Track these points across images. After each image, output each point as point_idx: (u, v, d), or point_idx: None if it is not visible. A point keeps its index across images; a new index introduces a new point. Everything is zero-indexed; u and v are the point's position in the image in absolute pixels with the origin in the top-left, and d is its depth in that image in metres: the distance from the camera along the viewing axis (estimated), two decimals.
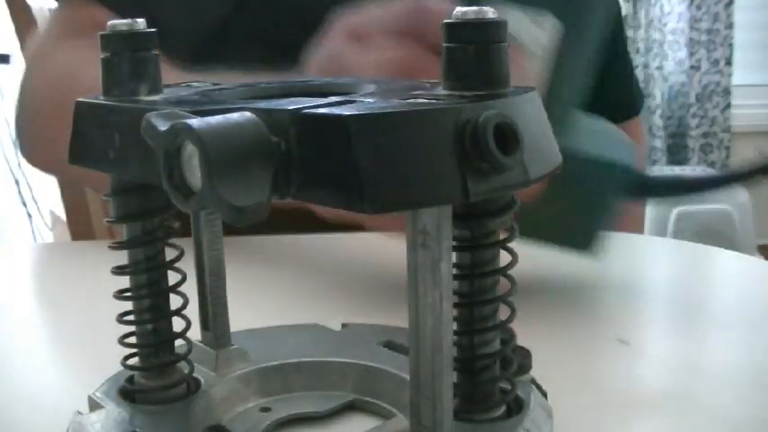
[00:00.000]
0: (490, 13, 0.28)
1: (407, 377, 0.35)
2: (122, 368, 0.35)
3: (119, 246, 0.34)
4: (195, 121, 0.24)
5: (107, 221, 0.34)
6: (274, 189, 0.25)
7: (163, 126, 0.25)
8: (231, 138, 0.25)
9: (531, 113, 0.29)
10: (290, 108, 0.26)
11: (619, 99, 1.05)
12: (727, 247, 0.69)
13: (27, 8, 1.07)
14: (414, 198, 0.25)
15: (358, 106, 0.27)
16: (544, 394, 0.34)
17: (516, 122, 0.27)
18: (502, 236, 0.31)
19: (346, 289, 0.56)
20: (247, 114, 0.25)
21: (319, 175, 0.25)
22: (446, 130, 0.26)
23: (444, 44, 0.28)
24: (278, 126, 0.26)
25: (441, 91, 0.29)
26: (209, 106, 0.29)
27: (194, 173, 0.25)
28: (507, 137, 0.26)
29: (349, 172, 0.25)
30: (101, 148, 0.31)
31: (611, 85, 1.04)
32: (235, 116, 0.25)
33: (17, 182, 2.53)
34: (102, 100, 0.32)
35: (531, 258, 0.37)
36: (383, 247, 0.61)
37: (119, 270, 0.34)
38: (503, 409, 0.32)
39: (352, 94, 0.30)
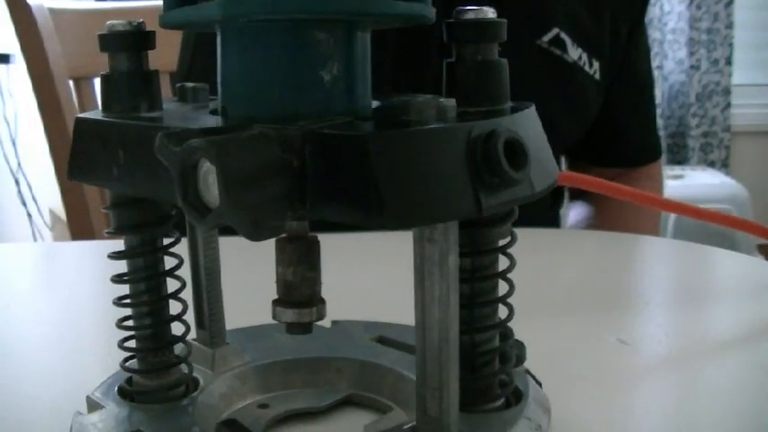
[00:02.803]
0: (490, 13, 0.28)
1: (403, 372, 0.35)
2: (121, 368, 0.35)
3: (118, 256, 0.34)
4: (211, 139, 0.24)
5: (107, 233, 0.34)
6: (290, 206, 0.26)
7: (177, 145, 0.25)
8: (247, 155, 0.25)
9: (531, 128, 0.30)
10: (303, 126, 0.26)
11: (644, 143, 1.04)
12: (727, 247, 0.69)
13: (27, 8, 1.07)
14: (431, 213, 0.26)
15: (372, 124, 0.27)
16: (539, 384, 0.35)
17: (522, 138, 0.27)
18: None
19: (339, 287, 0.55)
20: (261, 132, 0.25)
21: (335, 191, 0.25)
22: (458, 147, 0.26)
23: (446, 60, 0.29)
24: (291, 144, 0.26)
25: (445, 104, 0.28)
26: (218, 123, 0.29)
27: (211, 191, 0.25)
28: (516, 152, 0.27)
29: (367, 189, 0.25)
30: (103, 165, 0.31)
31: (638, 129, 1.02)
32: (249, 133, 0.25)
33: (17, 182, 2.53)
34: (103, 116, 0.32)
35: (532, 258, 0.37)
36: (380, 247, 0.61)
37: (118, 278, 0.34)
38: (502, 400, 0.33)
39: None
